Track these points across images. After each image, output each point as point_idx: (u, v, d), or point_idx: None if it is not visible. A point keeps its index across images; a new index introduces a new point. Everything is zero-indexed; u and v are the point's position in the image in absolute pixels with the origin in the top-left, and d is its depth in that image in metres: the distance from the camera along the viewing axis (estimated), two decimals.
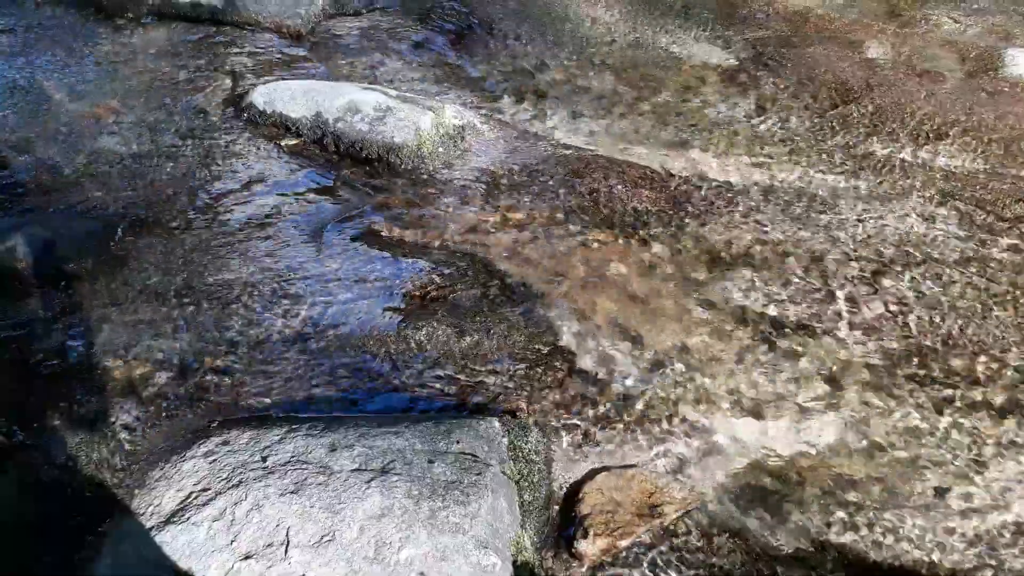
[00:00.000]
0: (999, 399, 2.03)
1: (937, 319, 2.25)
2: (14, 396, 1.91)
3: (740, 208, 2.67)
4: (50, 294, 2.21)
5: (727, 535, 1.71)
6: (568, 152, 2.94)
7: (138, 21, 3.82)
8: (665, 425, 1.93)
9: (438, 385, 2.00)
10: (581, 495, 1.75)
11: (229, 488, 1.59)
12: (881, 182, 2.83)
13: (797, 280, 2.37)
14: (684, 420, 1.95)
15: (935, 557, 1.68)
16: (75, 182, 2.66)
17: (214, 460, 1.67)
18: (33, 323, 2.11)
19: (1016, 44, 3.87)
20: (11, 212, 2.51)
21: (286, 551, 1.47)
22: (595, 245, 2.48)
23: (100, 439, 1.82)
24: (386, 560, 1.46)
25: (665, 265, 2.41)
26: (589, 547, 1.64)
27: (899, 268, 2.43)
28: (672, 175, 2.84)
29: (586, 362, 2.08)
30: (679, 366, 2.08)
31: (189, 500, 1.59)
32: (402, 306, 2.23)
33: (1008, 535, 1.72)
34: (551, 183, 2.75)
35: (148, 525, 1.55)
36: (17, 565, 1.58)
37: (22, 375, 1.97)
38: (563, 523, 1.72)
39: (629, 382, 2.04)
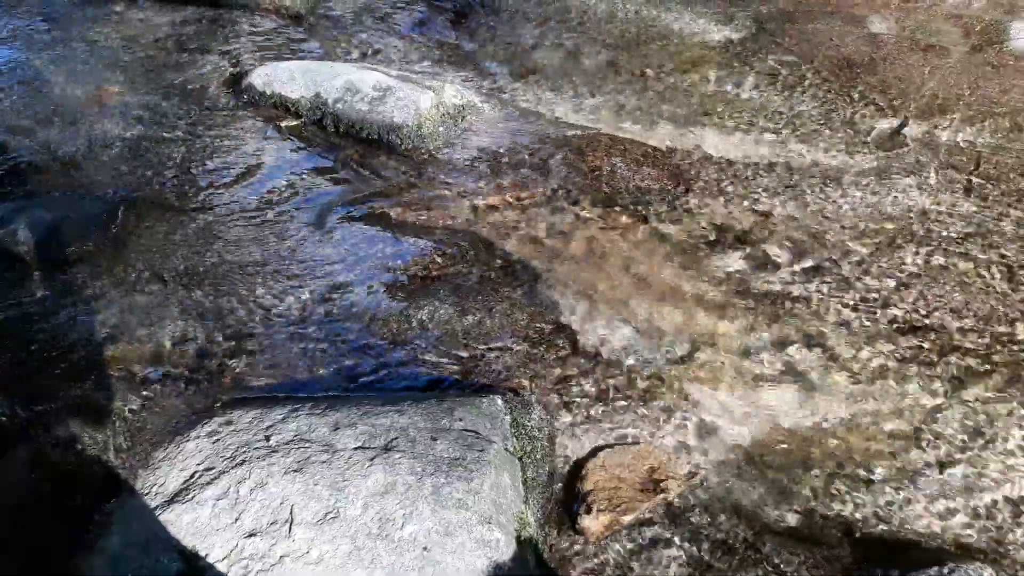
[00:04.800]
0: (1003, 373, 2.03)
1: (943, 293, 2.24)
2: (19, 378, 1.92)
3: (743, 184, 2.65)
4: (53, 277, 2.21)
5: (730, 510, 1.71)
6: (570, 130, 2.92)
7: (137, 3, 3.80)
8: (667, 401, 1.93)
9: (441, 363, 2.00)
10: (584, 471, 1.75)
11: (233, 467, 1.60)
12: (885, 157, 2.81)
13: (801, 255, 2.36)
14: (686, 396, 1.95)
15: (937, 531, 1.68)
16: (76, 165, 2.65)
17: (217, 440, 1.68)
18: (36, 305, 2.12)
19: (1021, 17, 3.83)
20: (12, 195, 2.50)
21: (290, 529, 1.47)
22: (597, 223, 2.47)
23: (104, 420, 1.83)
24: (390, 536, 1.47)
25: (667, 242, 2.40)
26: (592, 523, 1.65)
27: (904, 243, 2.42)
28: (674, 152, 2.82)
29: (588, 339, 2.08)
30: (681, 342, 2.08)
31: (193, 479, 1.59)
32: (404, 286, 2.23)
33: (1010, 510, 1.72)
34: (552, 161, 2.74)
35: (153, 504, 1.56)
36: (28, 544, 1.59)
37: (26, 357, 1.98)
38: (566, 499, 1.72)
39: (631, 359, 2.04)
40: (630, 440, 1.85)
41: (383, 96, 2.86)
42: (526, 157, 2.76)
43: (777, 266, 2.32)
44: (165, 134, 2.83)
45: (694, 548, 1.64)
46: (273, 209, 2.49)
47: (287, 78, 3.00)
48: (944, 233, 2.46)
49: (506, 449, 1.70)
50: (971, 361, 2.05)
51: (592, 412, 1.91)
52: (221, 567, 1.44)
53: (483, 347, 2.06)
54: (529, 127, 2.94)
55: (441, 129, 2.84)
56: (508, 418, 1.79)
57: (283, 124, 2.90)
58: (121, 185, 2.56)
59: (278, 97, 2.96)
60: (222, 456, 1.63)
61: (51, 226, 2.35)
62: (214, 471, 1.60)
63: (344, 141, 2.83)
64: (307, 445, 1.63)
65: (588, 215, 2.50)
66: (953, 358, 2.06)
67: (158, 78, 3.17)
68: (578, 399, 1.94)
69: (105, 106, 2.99)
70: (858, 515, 1.71)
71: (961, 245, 2.41)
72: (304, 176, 2.65)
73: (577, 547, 1.64)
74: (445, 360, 2.02)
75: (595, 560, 1.62)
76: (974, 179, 2.70)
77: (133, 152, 2.73)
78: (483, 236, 2.41)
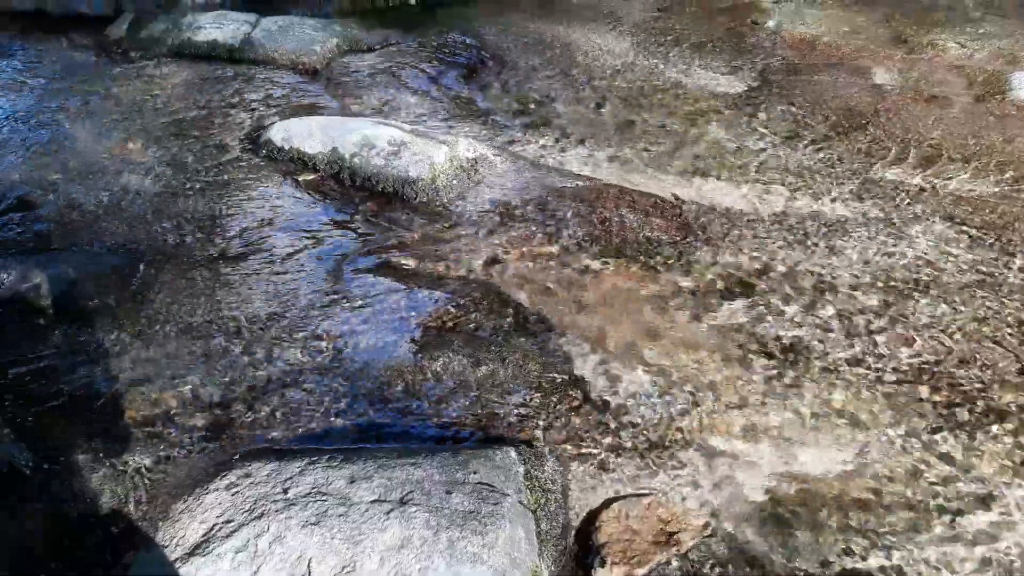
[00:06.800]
0: (1013, 424, 2.03)
1: (949, 344, 2.26)
2: (41, 430, 1.96)
3: (751, 235, 2.69)
4: (74, 330, 2.26)
5: (744, 562, 1.71)
6: (579, 182, 2.99)
7: (158, 60, 3.92)
8: (680, 452, 1.95)
9: (455, 415, 2.03)
10: (598, 523, 1.77)
11: (252, 520, 1.62)
12: (891, 207, 2.86)
13: (809, 307, 2.39)
14: (699, 447, 1.96)
15: None
16: (97, 219, 2.73)
17: (236, 492, 1.70)
18: (58, 358, 2.16)
19: (1023, 68, 3.90)
20: (35, 250, 2.57)
21: None
22: (607, 274, 2.51)
23: (124, 472, 1.86)
24: None
25: (677, 293, 2.44)
26: None
27: (910, 293, 2.44)
28: (683, 203, 2.87)
29: (600, 390, 2.11)
30: (693, 393, 2.10)
31: (212, 532, 1.62)
32: (419, 337, 2.27)
33: (1022, 560, 1.72)
34: (563, 213, 2.79)
35: (173, 557, 1.58)
36: None
37: (48, 409, 2.02)
38: (581, 552, 1.73)
39: (643, 410, 2.06)
40: (643, 491, 1.86)
41: (398, 151, 2.94)
42: (537, 209, 2.82)
43: (786, 316, 2.35)
44: (185, 189, 2.91)
45: None
46: (291, 262, 2.55)
47: (305, 133, 3.09)
48: (950, 283, 2.48)
49: (520, 502, 1.71)
50: (980, 411, 2.06)
51: (605, 463, 1.92)
52: None
53: (496, 398, 2.08)
54: (540, 179, 3.01)
55: (455, 182, 2.91)
56: (522, 470, 1.81)
57: (301, 178, 2.98)
58: (142, 239, 2.63)
59: (296, 152, 3.04)
60: (241, 509, 1.66)
61: (72, 280, 2.41)
62: (233, 524, 1.62)
63: (360, 195, 2.89)
64: (324, 498, 1.66)
65: (598, 266, 2.55)
66: (963, 408, 2.07)
67: (179, 133, 3.27)
68: (591, 450, 1.95)
69: (127, 161, 3.08)
70: (872, 567, 1.71)
71: (968, 295, 2.44)
72: (321, 229, 2.71)
73: None
74: (459, 411, 2.04)
75: None
76: (980, 229, 2.73)
77: (154, 206, 2.80)
78: (496, 287, 2.46)
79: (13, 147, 3.16)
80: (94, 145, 3.18)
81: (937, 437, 2.00)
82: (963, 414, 2.06)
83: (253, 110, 3.45)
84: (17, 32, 4.19)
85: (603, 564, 1.67)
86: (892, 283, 2.49)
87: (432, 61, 3.95)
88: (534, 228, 2.72)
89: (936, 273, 2.53)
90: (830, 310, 2.38)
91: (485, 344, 2.24)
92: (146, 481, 1.84)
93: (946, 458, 1.95)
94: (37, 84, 3.67)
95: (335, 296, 2.41)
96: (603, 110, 3.52)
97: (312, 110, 3.47)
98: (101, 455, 1.90)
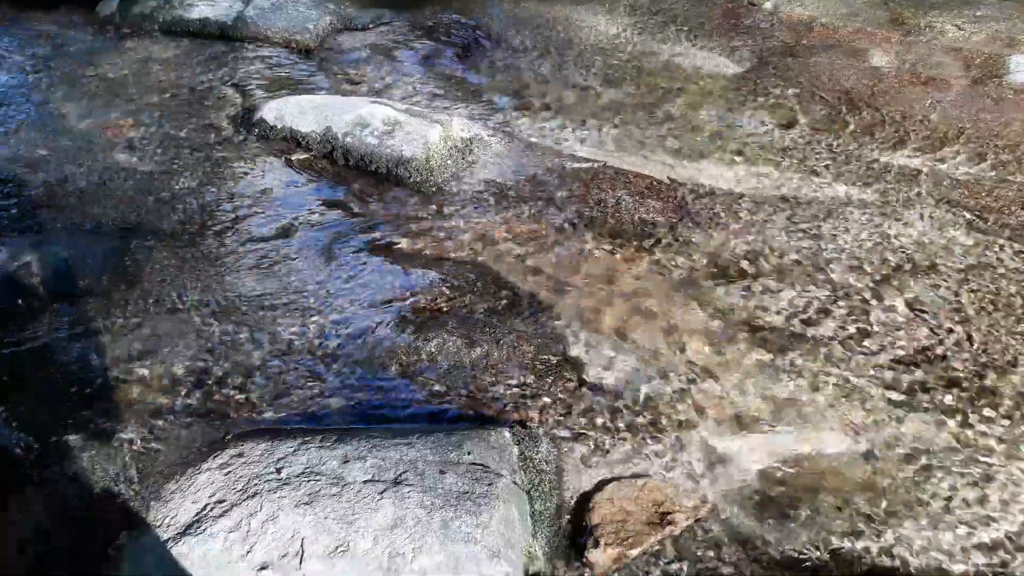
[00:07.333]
0: (1006, 407, 2.04)
1: (944, 327, 2.26)
2: (32, 412, 1.94)
3: (746, 217, 2.68)
4: (65, 310, 2.24)
5: (737, 543, 1.72)
6: (575, 163, 2.97)
7: (149, 38, 3.87)
8: (674, 434, 1.95)
9: (449, 396, 2.02)
10: (591, 504, 1.77)
11: (244, 499, 1.62)
12: (887, 190, 2.85)
13: (805, 289, 2.38)
14: (693, 429, 1.96)
15: (946, 565, 1.69)
16: (88, 198, 2.70)
17: (229, 472, 1.70)
18: (49, 338, 2.14)
19: (1021, 50, 3.88)
20: (26, 229, 2.54)
21: (301, 562, 1.49)
22: (603, 255, 2.50)
23: (116, 453, 1.85)
24: (399, 570, 1.48)
25: (673, 274, 2.43)
26: (600, 556, 1.66)
27: (905, 276, 2.44)
28: (679, 184, 2.86)
29: (595, 372, 2.10)
30: (688, 375, 2.10)
31: (205, 511, 1.61)
32: (412, 318, 2.25)
33: (1016, 543, 1.73)
34: (558, 194, 2.77)
35: (165, 537, 1.57)
36: None
37: (40, 390, 2.00)
38: (574, 532, 1.73)
39: (638, 391, 2.05)
40: (637, 473, 1.86)
41: (392, 130, 2.91)
42: (532, 189, 2.80)
43: (782, 298, 2.35)
44: (177, 168, 2.88)
45: None
46: (283, 242, 2.53)
47: (298, 112, 3.06)
48: (946, 266, 2.48)
49: (514, 482, 1.71)
50: (974, 395, 2.07)
51: (599, 445, 1.92)
52: None
53: (491, 379, 2.08)
54: (535, 160, 2.99)
55: (449, 162, 2.89)
56: (516, 451, 1.81)
57: (294, 158, 2.95)
58: (132, 218, 2.61)
59: (289, 131, 3.01)
60: (234, 488, 1.65)
61: (64, 259, 2.39)
62: (226, 503, 1.62)
63: (353, 174, 2.87)
64: (317, 478, 1.65)
65: (593, 247, 2.53)
66: (957, 392, 2.07)
67: (170, 112, 3.23)
68: (585, 432, 1.95)
69: (118, 140, 3.05)
70: (866, 549, 1.71)
71: (963, 278, 2.43)
72: (314, 209, 2.69)
73: None
74: (453, 392, 2.04)
75: None
76: (975, 212, 2.73)
77: (144, 185, 2.78)
78: (490, 268, 2.44)
79: (2, 125, 3.12)
80: (84, 123, 3.14)
81: (932, 420, 2.00)
82: (959, 397, 2.06)
83: (245, 89, 3.42)
84: (6, 9, 4.13)
85: (596, 545, 1.67)
86: (886, 266, 2.48)
87: (426, 40, 3.91)
88: (529, 209, 2.70)
89: (932, 256, 2.53)
90: (825, 292, 2.37)
91: (479, 325, 2.23)
92: (138, 460, 1.83)
93: (942, 440, 1.95)
94: (27, 62, 3.62)
95: (328, 276, 2.39)
96: (599, 91, 3.49)
97: (305, 89, 3.43)
98: (94, 436, 1.88)
